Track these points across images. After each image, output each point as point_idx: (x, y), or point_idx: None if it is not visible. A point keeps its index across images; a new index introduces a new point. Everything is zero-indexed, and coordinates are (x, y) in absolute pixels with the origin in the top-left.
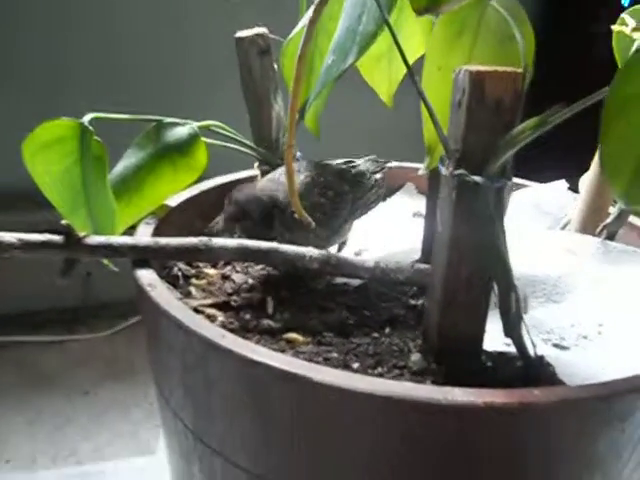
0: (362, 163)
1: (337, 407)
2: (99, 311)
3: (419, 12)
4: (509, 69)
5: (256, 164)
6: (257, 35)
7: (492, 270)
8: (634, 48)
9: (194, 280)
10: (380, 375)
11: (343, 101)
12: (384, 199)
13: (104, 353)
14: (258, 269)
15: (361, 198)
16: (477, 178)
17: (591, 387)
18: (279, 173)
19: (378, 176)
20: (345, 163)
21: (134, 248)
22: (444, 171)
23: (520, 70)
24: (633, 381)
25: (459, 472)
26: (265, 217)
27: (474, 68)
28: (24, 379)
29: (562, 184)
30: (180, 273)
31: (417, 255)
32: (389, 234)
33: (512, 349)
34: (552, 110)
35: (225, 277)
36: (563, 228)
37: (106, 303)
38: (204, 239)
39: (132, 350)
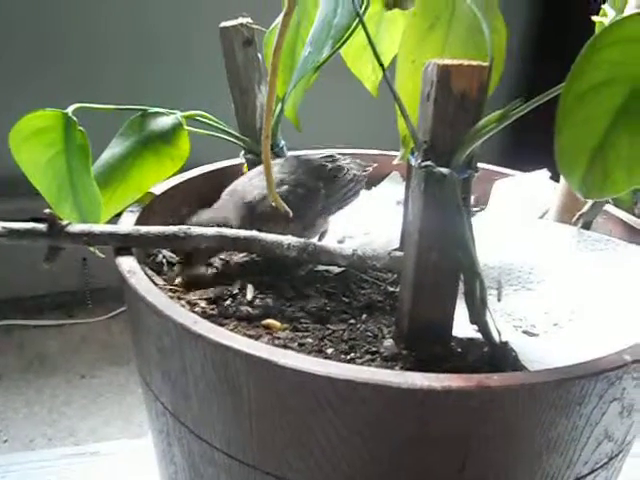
0: (342, 159)
1: (300, 390)
2: (97, 296)
3: (388, 6)
4: (475, 63)
5: (242, 153)
6: (241, 25)
7: (458, 258)
8: (586, 44)
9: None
10: (352, 360)
11: (329, 90)
12: (369, 188)
13: (101, 337)
14: (241, 256)
15: (336, 194)
16: (443, 169)
17: (549, 372)
18: (248, 177)
19: (357, 172)
20: (324, 158)
21: (114, 236)
22: (413, 162)
23: (486, 64)
24: (590, 366)
25: (421, 454)
26: None
27: (441, 61)
28: (24, 361)
29: (544, 173)
30: (164, 260)
31: (397, 243)
32: (373, 222)
33: (481, 335)
34: (512, 104)
35: (208, 264)
36: (542, 217)
37: (104, 288)
38: (183, 227)
39: (128, 335)
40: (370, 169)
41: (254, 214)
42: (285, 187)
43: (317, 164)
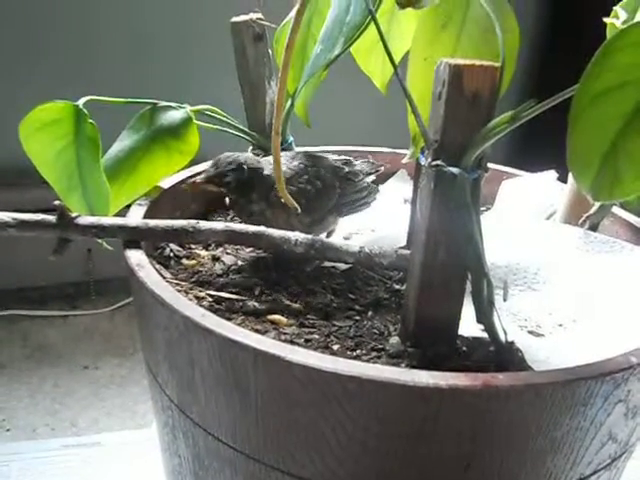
0: (358, 164)
1: (307, 386)
2: (101, 287)
3: (401, 5)
4: (487, 63)
5: (250, 148)
6: (252, 20)
7: (466, 257)
8: (601, 46)
9: (185, 261)
10: (358, 357)
11: (338, 88)
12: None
13: (104, 329)
14: (248, 251)
15: (349, 195)
16: (454, 169)
17: (555, 373)
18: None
19: (370, 179)
20: (342, 161)
21: (123, 229)
22: (423, 161)
23: (498, 64)
24: (597, 367)
25: (426, 451)
26: (242, 184)
27: (454, 61)
28: (27, 352)
29: (551, 174)
30: (172, 254)
31: (404, 241)
32: (380, 220)
33: (487, 334)
34: (525, 105)
35: (215, 258)
36: (549, 218)
37: (107, 280)
38: (192, 221)
39: (132, 326)
40: (382, 169)
41: (269, 195)
42: (305, 177)
43: (335, 164)
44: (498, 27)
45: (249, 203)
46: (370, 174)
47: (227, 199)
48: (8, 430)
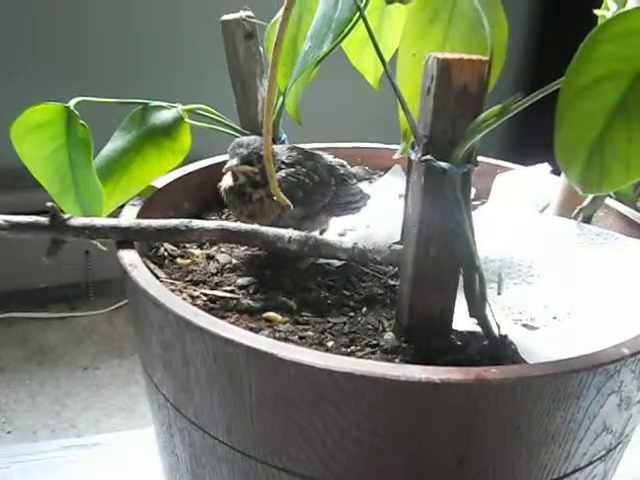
0: (354, 168)
1: (300, 383)
2: (99, 288)
3: (389, 1)
4: (475, 57)
5: None
6: (242, 18)
7: (458, 252)
8: (586, 38)
9: (179, 260)
10: (352, 353)
11: (331, 85)
12: (370, 181)
13: (103, 330)
14: (243, 249)
15: (343, 197)
16: (443, 164)
17: (547, 365)
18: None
19: (364, 185)
20: (338, 162)
21: (116, 229)
22: (413, 156)
23: (486, 58)
24: (588, 359)
25: (420, 446)
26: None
27: (442, 55)
28: (27, 354)
29: (545, 167)
30: (166, 253)
31: (398, 236)
32: (375, 215)
33: (480, 328)
34: (512, 98)
35: (210, 257)
36: (542, 211)
37: (106, 280)
38: (185, 220)
39: (130, 327)
40: (376, 177)
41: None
42: (304, 170)
43: (331, 163)
44: (486, 21)
45: (257, 188)
46: (364, 180)
47: (228, 181)
48: (9, 432)
